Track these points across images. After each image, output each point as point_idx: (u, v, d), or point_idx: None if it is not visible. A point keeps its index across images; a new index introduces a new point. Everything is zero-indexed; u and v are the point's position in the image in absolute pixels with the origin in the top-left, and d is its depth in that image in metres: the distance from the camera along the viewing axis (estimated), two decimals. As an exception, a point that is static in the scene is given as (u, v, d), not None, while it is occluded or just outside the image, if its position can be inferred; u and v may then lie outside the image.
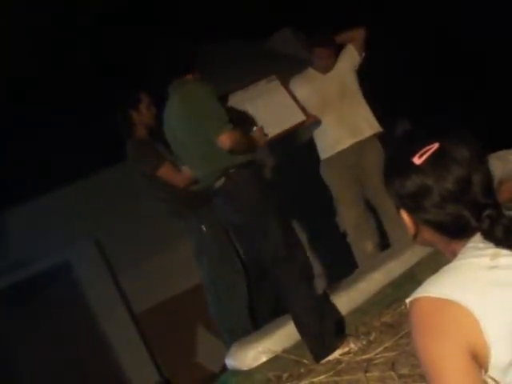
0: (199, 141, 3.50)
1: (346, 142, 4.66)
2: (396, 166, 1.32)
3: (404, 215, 1.33)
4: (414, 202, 1.28)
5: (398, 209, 1.34)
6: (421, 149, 1.26)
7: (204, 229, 4.11)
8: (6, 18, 5.08)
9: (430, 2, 7.09)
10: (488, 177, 1.27)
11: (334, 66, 4.75)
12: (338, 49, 4.77)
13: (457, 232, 1.27)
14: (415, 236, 1.34)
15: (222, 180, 3.48)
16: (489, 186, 1.27)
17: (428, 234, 1.31)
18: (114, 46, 5.78)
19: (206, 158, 3.52)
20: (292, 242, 3.52)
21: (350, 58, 4.74)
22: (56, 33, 5.48)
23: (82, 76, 5.73)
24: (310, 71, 4.78)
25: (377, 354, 3.23)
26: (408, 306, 1.23)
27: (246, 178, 3.52)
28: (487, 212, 1.23)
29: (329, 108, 4.65)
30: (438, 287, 1.20)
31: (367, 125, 4.72)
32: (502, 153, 4.15)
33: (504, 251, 1.21)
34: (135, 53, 5.76)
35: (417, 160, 1.26)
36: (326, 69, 4.72)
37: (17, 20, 5.22)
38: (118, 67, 5.76)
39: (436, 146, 1.26)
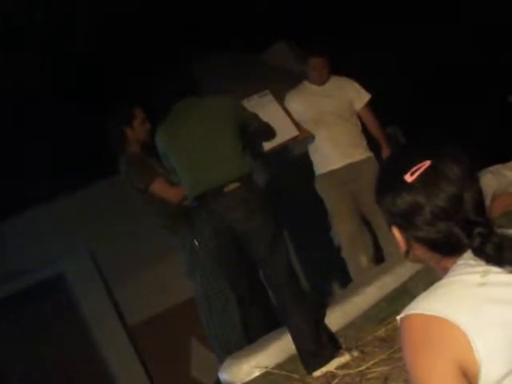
0: (228, 144, 3.59)
1: (339, 163, 4.66)
2: (387, 184, 1.32)
3: (395, 232, 1.33)
4: (405, 220, 1.28)
5: (389, 226, 1.34)
6: (412, 166, 1.27)
7: (196, 243, 4.10)
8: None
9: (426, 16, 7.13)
10: (479, 195, 1.27)
11: (338, 88, 4.74)
12: (333, 62, 4.79)
13: (448, 249, 1.27)
14: (407, 253, 1.34)
15: (236, 184, 3.50)
16: (480, 204, 1.27)
17: (419, 251, 1.31)
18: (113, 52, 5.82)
19: (229, 159, 3.57)
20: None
21: (354, 98, 4.76)
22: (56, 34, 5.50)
23: (82, 82, 5.75)
24: (306, 85, 4.79)
25: (370, 369, 3.23)
26: (399, 322, 1.22)
27: (257, 187, 3.63)
28: (478, 230, 1.23)
29: (324, 124, 4.64)
30: (429, 304, 1.20)
31: (360, 150, 4.72)
32: (495, 167, 4.17)
33: (495, 268, 1.21)
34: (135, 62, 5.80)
35: (408, 178, 1.26)
36: (320, 79, 4.73)
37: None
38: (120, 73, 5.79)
39: (427, 163, 1.26)
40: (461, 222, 1.24)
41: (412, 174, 1.26)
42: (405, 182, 1.26)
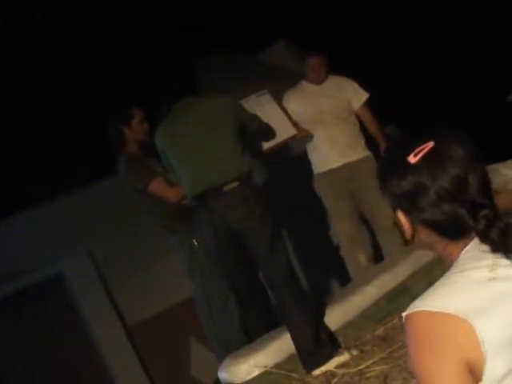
0: (228, 143, 3.58)
1: (337, 163, 4.67)
2: (391, 166, 1.31)
3: (401, 216, 1.32)
4: (410, 202, 1.27)
5: (394, 210, 1.33)
6: (415, 148, 1.26)
7: (195, 242, 4.10)
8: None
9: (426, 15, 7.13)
10: (485, 177, 1.26)
11: (336, 87, 4.74)
12: (333, 62, 4.79)
13: (453, 232, 1.26)
14: (412, 237, 1.33)
15: (236, 183, 3.50)
16: (486, 186, 1.26)
17: (425, 234, 1.30)
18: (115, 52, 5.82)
19: (229, 159, 3.56)
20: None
21: (353, 98, 4.76)
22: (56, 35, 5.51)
23: (81, 82, 5.74)
24: (304, 84, 4.79)
25: (369, 368, 3.23)
26: (404, 319, 1.21)
27: (257, 186, 3.63)
28: (484, 212, 1.21)
29: (323, 124, 4.64)
30: (435, 300, 1.18)
31: (359, 149, 4.72)
32: (495, 166, 4.17)
33: (503, 262, 1.19)
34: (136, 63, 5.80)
35: (412, 159, 1.25)
36: (318, 78, 4.73)
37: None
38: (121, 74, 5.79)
39: (431, 144, 1.25)
40: (466, 203, 1.22)
41: (416, 155, 1.25)
42: (409, 164, 1.25)
